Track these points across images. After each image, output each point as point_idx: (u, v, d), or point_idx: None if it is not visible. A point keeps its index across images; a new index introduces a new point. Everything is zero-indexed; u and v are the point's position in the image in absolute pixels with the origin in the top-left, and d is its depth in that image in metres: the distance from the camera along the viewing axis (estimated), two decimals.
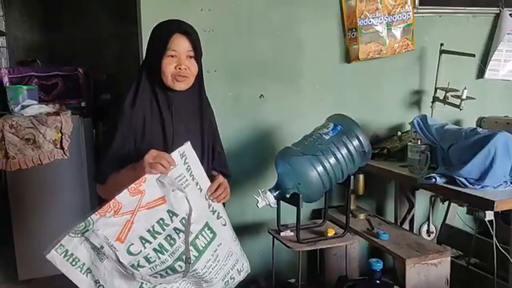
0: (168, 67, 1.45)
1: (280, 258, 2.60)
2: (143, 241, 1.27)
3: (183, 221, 1.31)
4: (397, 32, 2.85)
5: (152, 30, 1.56)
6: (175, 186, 1.31)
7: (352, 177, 2.24)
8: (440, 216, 3.05)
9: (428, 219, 3.08)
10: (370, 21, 2.77)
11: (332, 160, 2.07)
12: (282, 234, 2.33)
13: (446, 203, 2.91)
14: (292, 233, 2.32)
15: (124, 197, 1.26)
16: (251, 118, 2.73)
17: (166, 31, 1.48)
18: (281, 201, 2.17)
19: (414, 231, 2.91)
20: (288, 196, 2.09)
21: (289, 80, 2.78)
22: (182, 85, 1.49)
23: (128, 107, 1.46)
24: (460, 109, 2.78)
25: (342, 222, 2.45)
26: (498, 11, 3.12)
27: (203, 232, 1.36)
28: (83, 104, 3.29)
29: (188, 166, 1.38)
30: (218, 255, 1.40)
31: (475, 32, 3.12)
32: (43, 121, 2.74)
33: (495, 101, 3.17)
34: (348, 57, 2.85)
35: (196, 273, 1.34)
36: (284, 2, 2.69)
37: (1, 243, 3.08)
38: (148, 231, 1.28)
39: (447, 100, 2.84)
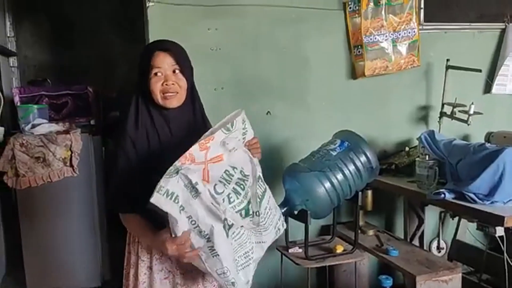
0: (156, 85, 1.47)
1: (288, 274, 2.58)
2: (223, 183, 1.37)
3: (242, 173, 1.42)
4: (402, 48, 2.87)
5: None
6: (241, 149, 1.45)
7: (360, 193, 2.24)
8: (451, 232, 3.02)
9: (438, 235, 3.05)
10: (375, 38, 2.80)
11: (340, 176, 2.07)
12: (290, 250, 2.32)
13: (456, 218, 2.88)
14: (300, 250, 2.31)
15: (195, 151, 1.35)
16: (258, 135, 2.67)
17: (147, 51, 1.51)
18: (289, 218, 2.16)
19: (424, 247, 2.88)
20: (296, 212, 2.09)
21: (296, 96, 2.80)
22: (173, 102, 1.49)
23: (131, 130, 1.49)
24: (468, 124, 2.77)
25: (351, 238, 2.44)
26: (503, 27, 3.13)
27: (258, 183, 1.46)
28: (92, 122, 3.32)
29: (245, 130, 1.49)
30: (271, 205, 1.51)
31: (481, 47, 3.13)
32: (53, 139, 2.77)
33: (503, 116, 3.16)
34: (354, 73, 2.87)
35: (259, 216, 1.43)
36: (290, 20, 2.73)
37: (11, 260, 3.09)
38: (221, 177, 1.38)
39: (454, 115, 2.83)
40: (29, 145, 2.73)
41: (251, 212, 1.39)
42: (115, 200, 1.51)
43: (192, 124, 1.56)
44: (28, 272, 2.92)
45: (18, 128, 2.99)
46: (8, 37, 3.96)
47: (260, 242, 1.50)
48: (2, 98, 3.08)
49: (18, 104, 3.15)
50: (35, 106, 3.00)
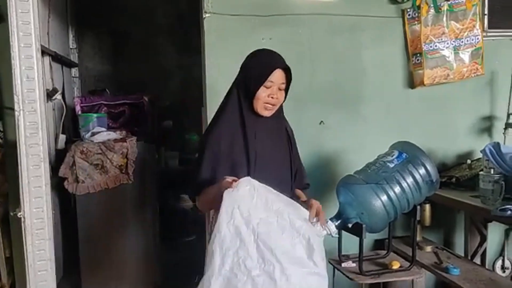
0: (263, 94, 1.61)
1: None
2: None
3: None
4: (465, 56, 2.75)
5: (249, 58, 1.71)
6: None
7: (418, 207, 2.14)
8: None
9: (502, 254, 2.87)
10: (436, 46, 2.70)
11: (397, 189, 1.99)
12: (343, 265, 2.26)
13: None
14: (354, 264, 2.24)
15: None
16: (311, 144, 2.69)
17: (269, 64, 1.62)
18: (342, 231, 2.10)
19: (487, 266, 2.71)
20: (350, 225, 2.02)
21: (351, 106, 2.74)
22: (269, 113, 1.64)
23: (217, 128, 1.63)
24: None
25: (407, 254, 2.35)
26: None
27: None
28: (147, 130, 3.40)
29: None
30: None
31: None
32: (111, 147, 2.85)
33: None
34: (413, 82, 2.78)
35: None
36: (345, 29, 2.68)
37: (68, 263, 3.20)
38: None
39: None
40: (88, 152, 2.83)
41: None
42: (194, 188, 1.63)
43: (275, 131, 1.71)
44: (84, 277, 3.00)
45: (78, 136, 3.11)
46: (71, 49, 4.16)
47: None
48: (65, 107, 3.22)
49: (79, 113, 3.28)
50: (95, 115, 3.11)
